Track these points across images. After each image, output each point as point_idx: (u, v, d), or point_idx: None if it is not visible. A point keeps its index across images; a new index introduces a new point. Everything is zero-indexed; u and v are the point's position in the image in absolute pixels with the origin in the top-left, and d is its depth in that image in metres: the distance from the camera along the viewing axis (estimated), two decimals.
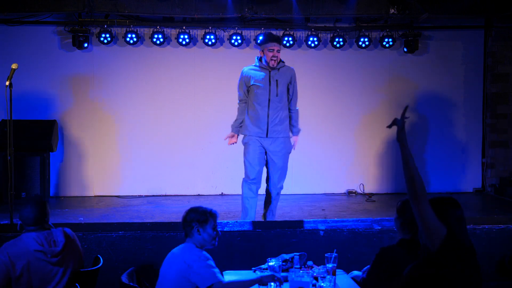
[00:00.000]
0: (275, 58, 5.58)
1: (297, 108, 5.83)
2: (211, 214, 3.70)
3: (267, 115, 5.63)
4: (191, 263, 3.49)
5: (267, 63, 5.61)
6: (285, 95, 5.70)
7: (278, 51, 5.59)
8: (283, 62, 5.74)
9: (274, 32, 7.75)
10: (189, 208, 3.75)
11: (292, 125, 5.82)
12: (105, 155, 7.85)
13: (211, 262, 3.54)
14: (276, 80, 5.62)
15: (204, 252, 3.60)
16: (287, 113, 5.74)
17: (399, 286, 2.94)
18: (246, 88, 5.70)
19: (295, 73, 5.78)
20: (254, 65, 5.71)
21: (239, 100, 5.78)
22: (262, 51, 5.65)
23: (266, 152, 5.74)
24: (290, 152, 5.83)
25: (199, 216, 3.65)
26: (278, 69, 5.66)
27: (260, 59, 5.68)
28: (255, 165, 5.69)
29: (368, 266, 3.73)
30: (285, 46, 7.58)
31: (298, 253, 3.98)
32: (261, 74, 5.65)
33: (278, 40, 5.68)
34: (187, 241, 3.67)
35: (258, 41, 5.66)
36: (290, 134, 5.83)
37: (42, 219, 3.70)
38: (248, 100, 5.72)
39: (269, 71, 5.63)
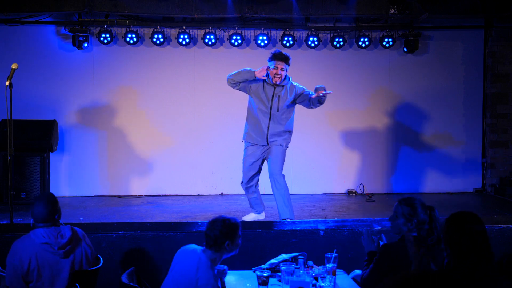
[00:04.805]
0: (278, 76, 5.62)
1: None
2: (239, 226, 3.61)
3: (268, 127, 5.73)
4: (200, 283, 3.39)
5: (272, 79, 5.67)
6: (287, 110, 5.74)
7: (282, 69, 5.62)
8: (288, 79, 5.76)
9: (275, 32, 7.77)
10: (221, 219, 3.54)
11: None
12: (105, 155, 7.85)
13: (215, 285, 3.43)
14: (279, 96, 5.69)
15: (214, 273, 3.49)
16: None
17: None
18: (249, 87, 5.73)
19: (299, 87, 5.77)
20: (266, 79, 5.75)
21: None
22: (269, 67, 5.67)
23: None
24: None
25: (233, 232, 3.53)
26: (283, 86, 5.71)
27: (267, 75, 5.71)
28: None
29: (361, 269, 3.76)
30: (285, 46, 7.59)
31: (297, 253, 3.98)
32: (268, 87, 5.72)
33: (282, 59, 5.64)
34: (207, 250, 3.53)
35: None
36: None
37: (52, 216, 3.75)
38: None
39: (274, 87, 5.69)
